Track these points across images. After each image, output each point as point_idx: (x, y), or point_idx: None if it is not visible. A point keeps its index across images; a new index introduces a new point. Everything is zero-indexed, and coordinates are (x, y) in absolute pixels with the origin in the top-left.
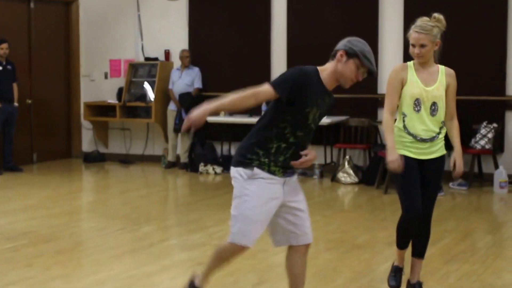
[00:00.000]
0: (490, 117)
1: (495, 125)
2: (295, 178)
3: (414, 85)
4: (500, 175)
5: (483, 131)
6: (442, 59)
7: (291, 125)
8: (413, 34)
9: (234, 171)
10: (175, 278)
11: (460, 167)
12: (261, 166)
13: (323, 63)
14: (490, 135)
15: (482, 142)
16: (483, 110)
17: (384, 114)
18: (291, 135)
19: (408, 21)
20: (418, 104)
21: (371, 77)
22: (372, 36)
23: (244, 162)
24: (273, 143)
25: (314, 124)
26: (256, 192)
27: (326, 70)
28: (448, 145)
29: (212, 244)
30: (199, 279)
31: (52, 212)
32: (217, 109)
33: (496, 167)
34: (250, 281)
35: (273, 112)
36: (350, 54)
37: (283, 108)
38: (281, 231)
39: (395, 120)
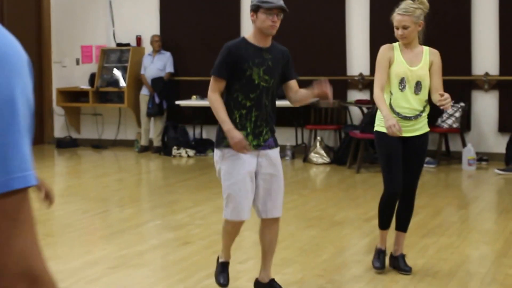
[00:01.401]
0: (457, 97)
1: (462, 104)
2: (274, 153)
3: (400, 65)
4: (469, 152)
5: (450, 110)
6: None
7: (241, 91)
8: (396, 17)
9: (214, 153)
10: (166, 256)
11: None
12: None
13: (291, 46)
14: (457, 114)
15: (450, 121)
16: (450, 90)
17: (374, 90)
18: (245, 100)
19: (375, 6)
20: (403, 83)
21: (285, 12)
22: (339, 21)
23: (217, 142)
24: (234, 113)
25: (265, 82)
26: (228, 170)
27: (252, 34)
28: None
29: (195, 223)
30: (221, 254)
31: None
32: (224, 124)
33: (464, 145)
34: (237, 259)
35: (225, 88)
36: (255, 9)
37: (229, 81)
38: (254, 203)
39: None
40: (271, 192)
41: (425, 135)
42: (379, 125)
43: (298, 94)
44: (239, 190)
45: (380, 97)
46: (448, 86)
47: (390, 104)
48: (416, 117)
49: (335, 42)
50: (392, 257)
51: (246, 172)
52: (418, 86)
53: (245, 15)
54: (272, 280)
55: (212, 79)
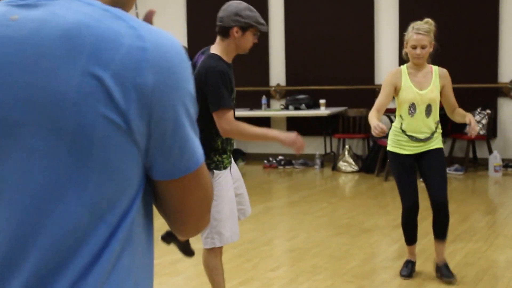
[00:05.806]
0: (483, 104)
1: (488, 111)
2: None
3: (409, 90)
4: (495, 159)
5: (477, 117)
6: (436, 49)
7: None
8: (414, 36)
9: None
10: (199, 265)
11: (475, 124)
12: (217, 167)
13: (320, 56)
14: (483, 121)
15: (477, 128)
16: (476, 97)
17: (371, 111)
18: None
19: (404, 14)
20: (413, 108)
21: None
22: (368, 30)
23: None
24: (217, 141)
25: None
26: (219, 194)
27: (224, 50)
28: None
29: None
30: None
31: None
32: (268, 134)
33: (490, 152)
34: (268, 266)
35: (205, 115)
36: (244, 28)
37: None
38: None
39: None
40: (244, 196)
41: (438, 149)
42: (391, 145)
43: None
44: (228, 211)
45: (372, 114)
46: (474, 93)
47: (401, 128)
48: (427, 139)
49: (363, 51)
50: (437, 267)
51: (231, 188)
52: (428, 109)
53: (272, 25)
54: None
55: (222, 112)
